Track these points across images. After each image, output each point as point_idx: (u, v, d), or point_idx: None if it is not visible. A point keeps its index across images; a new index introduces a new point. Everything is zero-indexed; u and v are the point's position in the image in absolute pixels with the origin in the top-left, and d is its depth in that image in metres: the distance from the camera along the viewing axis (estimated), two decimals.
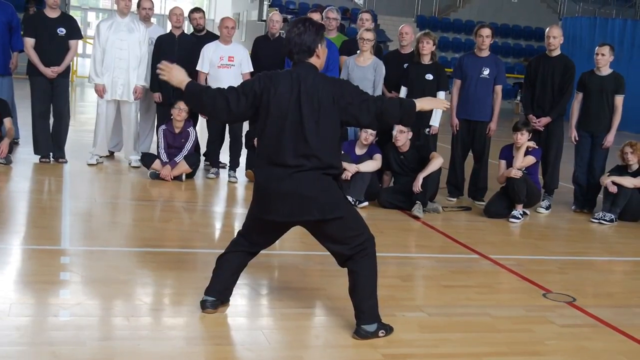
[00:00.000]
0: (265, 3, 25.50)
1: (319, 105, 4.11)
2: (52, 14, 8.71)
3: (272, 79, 4.21)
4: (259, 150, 4.29)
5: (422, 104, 4.38)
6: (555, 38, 8.40)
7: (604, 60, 8.34)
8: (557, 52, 8.46)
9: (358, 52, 8.54)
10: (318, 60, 4.27)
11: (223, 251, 4.58)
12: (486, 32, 8.45)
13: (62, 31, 8.70)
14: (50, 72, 8.60)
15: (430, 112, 8.28)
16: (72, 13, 13.21)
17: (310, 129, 4.10)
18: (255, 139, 8.59)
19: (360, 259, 4.26)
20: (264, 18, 24.77)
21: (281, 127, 4.13)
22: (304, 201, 4.13)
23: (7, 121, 8.72)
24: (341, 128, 4.30)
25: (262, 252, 4.67)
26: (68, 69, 8.91)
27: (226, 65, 8.54)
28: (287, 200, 4.15)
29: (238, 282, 4.64)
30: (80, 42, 9.35)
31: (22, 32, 8.95)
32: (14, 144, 9.08)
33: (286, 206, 4.16)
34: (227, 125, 8.69)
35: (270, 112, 4.17)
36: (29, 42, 8.65)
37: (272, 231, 4.46)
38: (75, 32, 8.89)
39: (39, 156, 8.79)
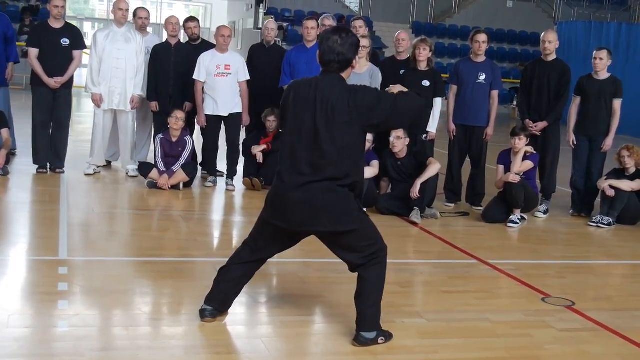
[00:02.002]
0: (261, 11, 25.54)
1: (333, 114, 4.06)
2: (56, 24, 8.71)
3: (293, 87, 4.25)
4: (279, 157, 4.28)
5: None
6: (550, 42, 8.42)
7: (602, 65, 8.35)
8: (552, 57, 8.48)
9: None
10: (350, 71, 4.25)
11: (224, 261, 4.56)
12: (482, 37, 8.46)
13: (65, 41, 8.69)
14: (54, 82, 8.60)
15: (428, 118, 8.31)
16: None
17: (325, 138, 4.07)
18: (252, 147, 8.72)
19: (370, 267, 4.25)
20: (260, 26, 24.78)
21: (297, 135, 4.13)
22: (315, 211, 4.11)
23: (4, 132, 8.70)
24: (365, 135, 4.27)
25: None
26: (71, 79, 8.89)
27: (223, 74, 8.54)
28: (299, 209, 4.12)
29: None
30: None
31: (25, 43, 8.93)
32: (11, 154, 9.07)
33: (297, 215, 4.14)
34: (226, 133, 8.75)
35: (288, 119, 4.19)
36: (33, 52, 8.64)
37: (281, 239, 4.41)
38: (79, 42, 8.88)
39: (37, 166, 8.77)
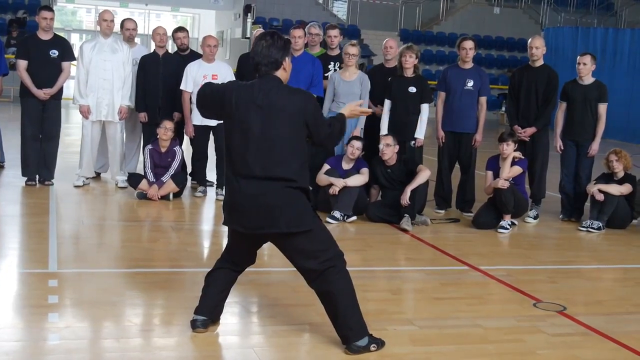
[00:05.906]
0: (249, 20, 25.55)
1: (278, 117, 4.12)
2: (44, 36, 8.68)
3: (234, 89, 4.26)
4: (227, 162, 4.30)
5: (345, 111, 4.50)
6: (537, 48, 8.46)
7: (586, 70, 8.39)
8: (540, 63, 8.52)
9: (336, 65, 8.62)
10: (284, 73, 4.30)
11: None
12: (469, 44, 8.49)
13: (54, 53, 8.66)
14: (43, 94, 8.57)
15: (415, 124, 8.32)
16: None
17: (272, 141, 4.12)
18: None
19: (332, 278, 4.24)
20: (248, 35, 24.81)
21: (244, 139, 4.16)
22: (271, 213, 4.13)
23: None
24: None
25: (251, 269, 4.66)
26: (60, 91, 8.85)
27: None
28: (255, 213, 4.15)
29: (228, 300, 4.63)
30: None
31: (13, 55, 8.89)
32: None
33: (254, 218, 4.17)
34: (215, 142, 8.72)
35: (234, 123, 4.21)
36: (22, 64, 8.61)
37: (246, 245, 4.44)
38: (68, 54, 8.85)
39: (26, 179, 8.73)
